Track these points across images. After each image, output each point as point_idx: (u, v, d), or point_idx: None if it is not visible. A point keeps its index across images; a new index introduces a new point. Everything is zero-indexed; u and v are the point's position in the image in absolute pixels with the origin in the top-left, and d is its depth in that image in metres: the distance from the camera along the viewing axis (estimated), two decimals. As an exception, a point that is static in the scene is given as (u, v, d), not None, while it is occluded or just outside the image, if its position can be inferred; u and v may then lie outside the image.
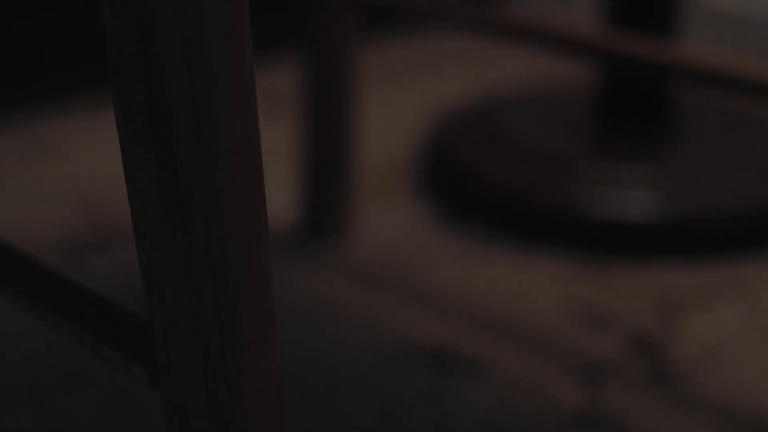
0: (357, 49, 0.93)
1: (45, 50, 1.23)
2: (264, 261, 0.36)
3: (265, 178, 1.09)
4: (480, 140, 1.07)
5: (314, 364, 0.80)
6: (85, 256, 0.94)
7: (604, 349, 0.83)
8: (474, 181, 1.01)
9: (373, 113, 1.25)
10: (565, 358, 0.82)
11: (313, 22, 0.90)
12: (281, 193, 1.06)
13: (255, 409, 0.37)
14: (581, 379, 0.80)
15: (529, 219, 0.98)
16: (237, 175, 0.34)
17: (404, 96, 1.30)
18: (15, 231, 0.99)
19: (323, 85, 0.92)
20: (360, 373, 0.80)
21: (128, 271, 0.92)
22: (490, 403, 0.77)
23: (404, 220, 1.01)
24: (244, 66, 0.34)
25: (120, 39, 0.34)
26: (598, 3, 1.50)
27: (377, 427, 0.74)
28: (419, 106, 1.27)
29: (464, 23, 0.84)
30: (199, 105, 0.33)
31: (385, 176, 1.10)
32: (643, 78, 1.05)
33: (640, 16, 1.04)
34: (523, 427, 0.74)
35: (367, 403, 0.76)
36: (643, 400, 0.77)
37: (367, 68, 1.40)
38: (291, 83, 1.34)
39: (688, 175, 1.00)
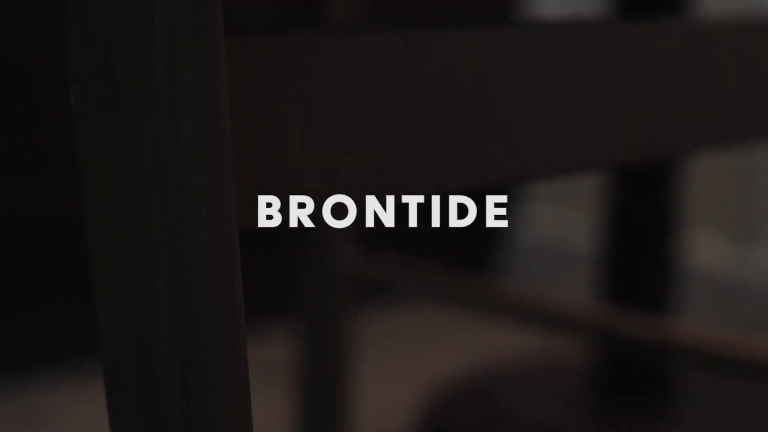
0: (351, 321, 0.93)
1: (38, 315, 1.24)
2: None
3: (258, 454, 1.07)
4: (475, 415, 1.06)
5: None
6: None
7: None
8: (470, 457, 0.99)
9: (367, 386, 1.25)
10: None
11: (307, 294, 0.91)
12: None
13: None
14: None
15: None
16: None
17: (399, 368, 1.30)
18: None
19: (317, 359, 0.92)
20: None
21: None
22: None
23: (399, 498, 1.00)
24: (238, 367, 0.34)
25: (113, 339, 0.34)
26: (592, 276, 1.52)
27: None
28: (414, 378, 1.27)
29: (456, 299, 0.84)
30: (194, 410, 0.33)
31: (379, 452, 1.08)
32: (640, 354, 1.05)
33: (633, 290, 1.05)
34: None
35: None
36: None
37: (361, 340, 1.40)
38: (284, 355, 1.34)
39: (687, 452, 0.98)
